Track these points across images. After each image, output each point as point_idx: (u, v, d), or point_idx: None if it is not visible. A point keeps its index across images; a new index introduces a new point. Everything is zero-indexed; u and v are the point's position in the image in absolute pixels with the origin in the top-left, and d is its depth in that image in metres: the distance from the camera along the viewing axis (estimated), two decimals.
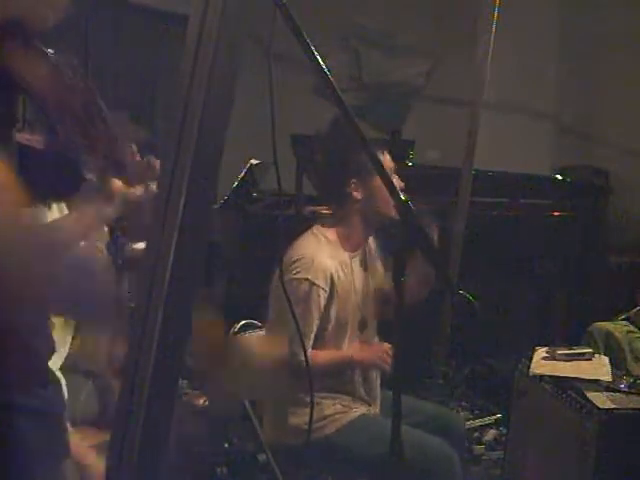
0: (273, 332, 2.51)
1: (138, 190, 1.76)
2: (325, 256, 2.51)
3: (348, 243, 2.61)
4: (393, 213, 1.68)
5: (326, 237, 2.58)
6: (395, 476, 1.71)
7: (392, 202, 1.63)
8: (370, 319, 2.65)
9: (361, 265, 2.66)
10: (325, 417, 2.49)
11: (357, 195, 2.57)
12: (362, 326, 2.61)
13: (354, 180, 2.55)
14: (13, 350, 1.17)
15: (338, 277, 2.51)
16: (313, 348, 2.46)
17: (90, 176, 1.39)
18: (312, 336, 2.46)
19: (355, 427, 2.51)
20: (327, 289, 2.47)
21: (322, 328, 2.50)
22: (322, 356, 2.48)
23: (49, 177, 1.32)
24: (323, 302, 2.47)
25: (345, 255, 2.59)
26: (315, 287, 2.44)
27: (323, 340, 2.51)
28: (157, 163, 1.87)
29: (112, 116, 1.47)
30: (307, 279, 2.44)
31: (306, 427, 2.17)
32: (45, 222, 1.63)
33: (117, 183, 1.67)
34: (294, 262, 2.47)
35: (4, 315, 1.04)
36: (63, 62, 1.29)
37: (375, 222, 2.61)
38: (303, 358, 2.34)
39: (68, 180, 1.39)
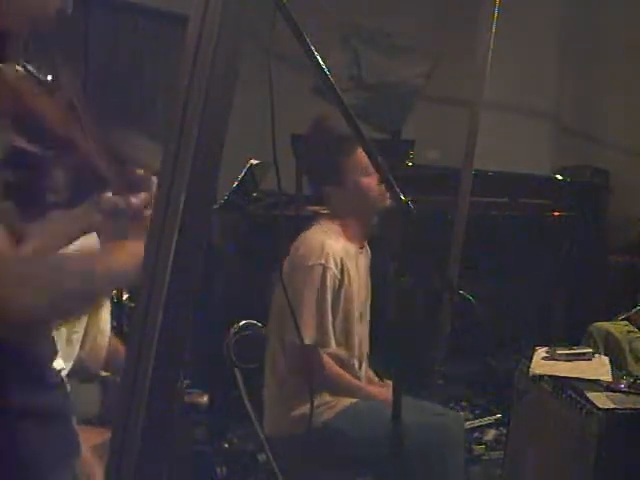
0: (286, 320, 2.42)
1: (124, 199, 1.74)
2: (333, 241, 2.51)
3: (352, 235, 2.61)
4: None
5: (331, 229, 2.58)
6: (394, 461, 1.72)
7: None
8: (365, 312, 2.66)
9: (366, 263, 2.66)
10: (323, 403, 2.51)
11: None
12: (360, 317, 2.62)
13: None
14: (12, 355, 1.17)
15: (347, 265, 2.52)
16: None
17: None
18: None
19: (352, 412, 2.53)
20: (339, 275, 2.47)
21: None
22: (347, 379, 2.54)
23: (49, 184, 1.30)
24: (336, 287, 2.47)
25: (351, 247, 2.59)
26: (329, 270, 2.44)
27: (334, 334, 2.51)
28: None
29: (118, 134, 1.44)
30: (320, 264, 2.44)
31: (307, 416, 2.17)
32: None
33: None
34: (305, 251, 2.48)
35: None
36: (41, 74, 1.27)
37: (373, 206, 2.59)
38: (334, 346, 2.40)
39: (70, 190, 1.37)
